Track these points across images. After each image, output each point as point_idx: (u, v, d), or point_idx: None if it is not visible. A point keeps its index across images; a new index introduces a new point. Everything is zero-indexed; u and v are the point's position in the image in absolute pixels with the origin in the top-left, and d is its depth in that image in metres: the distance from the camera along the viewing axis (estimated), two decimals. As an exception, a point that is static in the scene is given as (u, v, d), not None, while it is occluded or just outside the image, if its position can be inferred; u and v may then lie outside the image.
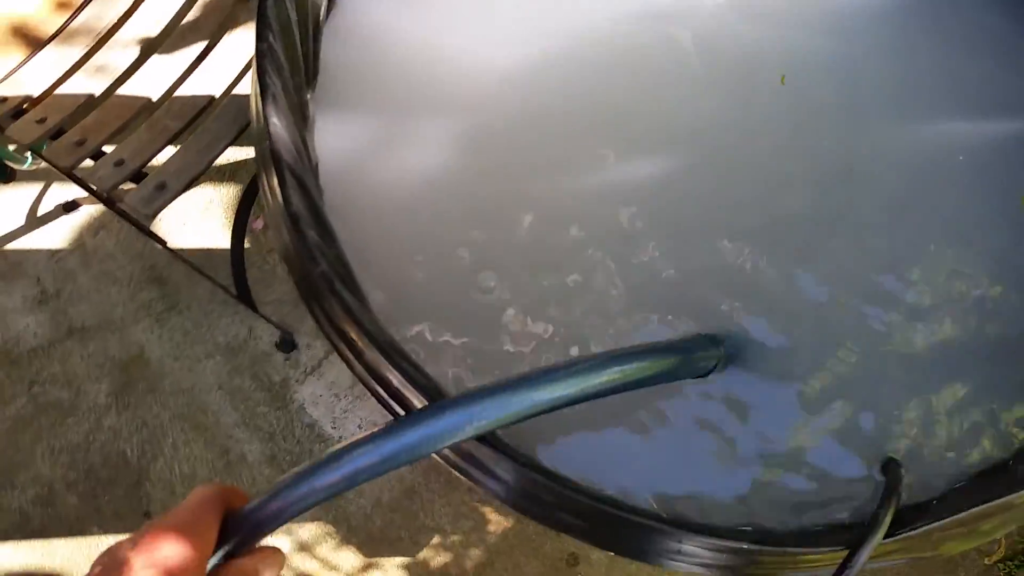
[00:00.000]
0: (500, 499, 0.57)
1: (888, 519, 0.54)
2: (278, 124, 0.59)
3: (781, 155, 0.75)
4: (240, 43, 1.36)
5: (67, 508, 1.64)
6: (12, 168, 1.56)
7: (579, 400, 0.56)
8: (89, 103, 1.35)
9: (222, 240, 1.85)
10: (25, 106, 1.35)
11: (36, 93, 1.36)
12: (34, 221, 1.91)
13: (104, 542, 1.63)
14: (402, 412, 0.60)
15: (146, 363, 1.75)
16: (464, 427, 0.52)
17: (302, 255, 0.57)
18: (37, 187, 1.94)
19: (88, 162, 1.31)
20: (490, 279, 0.70)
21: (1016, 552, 1.55)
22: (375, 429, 0.53)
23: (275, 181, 0.58)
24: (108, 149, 1.31)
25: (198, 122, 1.31)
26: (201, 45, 1.38)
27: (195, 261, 1.80)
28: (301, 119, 0.67)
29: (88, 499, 1.64)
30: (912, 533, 0.55)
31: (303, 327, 1.75)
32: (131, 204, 1.22)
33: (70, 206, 1.89)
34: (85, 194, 1.78)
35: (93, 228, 1.89)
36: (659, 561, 0.56)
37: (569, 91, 0.80)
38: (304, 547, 1.59)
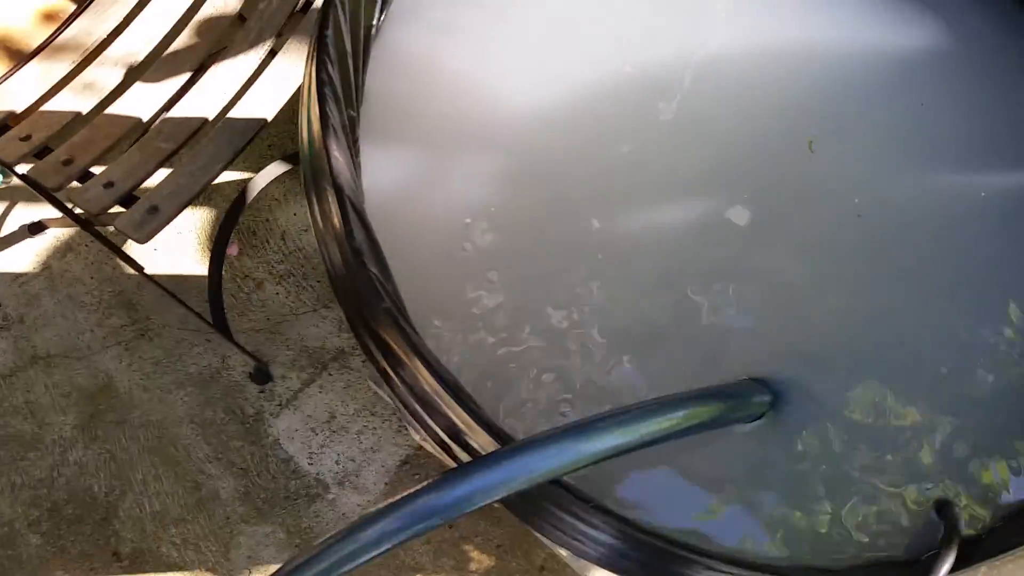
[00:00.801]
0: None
1: (953, 552, 0.56)
2: (339, 158, 0.57)
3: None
4: (233, 66, 1.34)
5: (29, 549, 1.55)
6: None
7: (634, 448, 0.55)
8: (76, 121, 1.30)
9: (195, 266, 1.79)
10: (8, 122, 1.29)
11: (20, 109, 1.30)
12: (10, 246, 1.83)
13: (65, 583, 1.54)
14: (457, 449, 0.58)
15: (114, 393, 1.68)
16: (526, 473, 0.51)
17: (365, 290, 0.55)
18: (0, 207, 1.86)
19: (74, 183, 1.26)
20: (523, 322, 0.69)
21: None
22: (436, 479, 0.51)
23: (336, 215, 0.56)
24: (96, 170, 1.26)
25: (191, 144, 1.28)
26: (193, 66, 1.35)
27: (168, 287, 1.74)
28: (355, 151, 0.66)
29: (52, 539, 1.56)
30: (976, 566, 0.56)
31: (278, 357, 1.71)
32: (122, 228, 1.18)
33: (36, 228, 1.81)
34: (54, 215, 1.72)
35: (60, 251, 1.81)
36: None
37: (597, 129, 0.80)
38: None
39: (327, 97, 0.59)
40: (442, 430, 0.58)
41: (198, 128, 1.29)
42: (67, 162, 1.25)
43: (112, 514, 1.58)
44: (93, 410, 1.66)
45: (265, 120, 1.28)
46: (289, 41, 1.33)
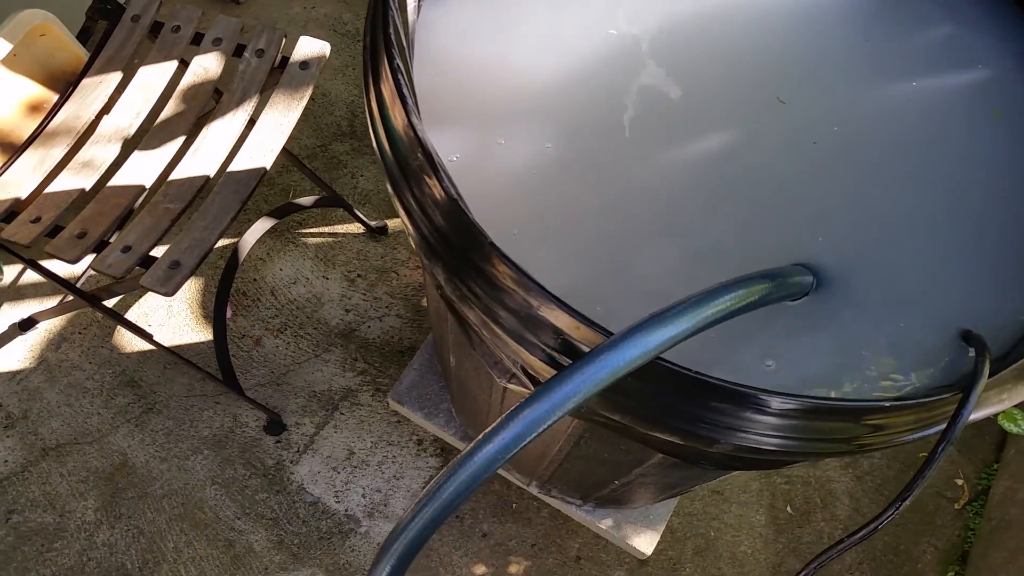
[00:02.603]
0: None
1: (987, 367, 0.67)
2: (434, 150, 0.67)
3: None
4: (224, 125, 1.42)
5: (68, 632, 1.54)
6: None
7: (701, 329, 0.65)
8: (83, 197, 1.36)
9: (192, 335, 1.84)
10: (16, 209, 1.35)
11: (25, 195, 1.36)
12: (-14, 345, 1.84)
13: (112, 661, 1.54)
14: (564, 360, 0.68)
15: (132, 470, 1.69)
16: (639, 349, 0.60)
17: (468, 241, 0.65)
18: (-16, 310, 1.88)
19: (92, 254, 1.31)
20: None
21: (978, 493, 1.71)
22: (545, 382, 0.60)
23: (442, 198, 0.66)
24: (110, 239, 1.32)
25: (198, 201, 1.35)
26: (186, 131, 1.43)
27: (168, 359, 1.79)
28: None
29: (90, 618, 1.55)
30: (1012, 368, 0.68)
31: (289, 406, 1.76)
32: (148, 285, 1.24)
33: (27, 324, 1.83)
34: (41, 308, 1.76)
35: (54, 343, 1.83)
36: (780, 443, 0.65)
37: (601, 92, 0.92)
38: (330, 624, 1.56)
39: (402, 83, 0.69)
40: (551, 346, 0.67)
41: (202, 186, 1.36)
42: (81, 235, 1.31)
43: (150, 586, 1.58)
44: (113, 490, 1.67)
45: (265, 168, 1.37)
46: (274, 94, 1.43)
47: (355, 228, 1.99)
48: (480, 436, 0.58)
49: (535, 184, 0.84)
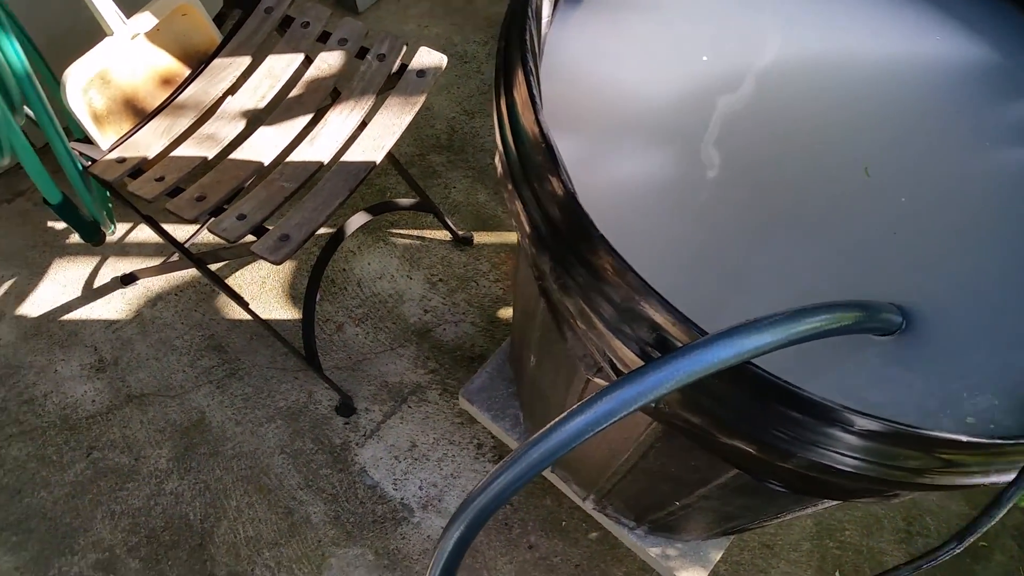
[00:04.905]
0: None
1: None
2: (553, 141, 0.72)
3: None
4: (340, 120, 1.51)
5: (128, 573, 1.62)
6: (103, 231, 1.63)
7: (792, 343, 0.68)
8: (203, 166, 1.46)
9: (281, 312, 1.93)
10: (143, 167, 1.45)
11: (151, 156, 1.46)
12: (91, 293, 1.96)
13: (165, 606, 1.61)
14: (656, 354, 0.71)
15: (207, 428, 1.78)
16: (729, 351, 0.64)
17: (578, 232, 0.70)
18: (93, 261, 2.01)
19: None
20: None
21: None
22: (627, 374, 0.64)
23: (561, 193, 0.71)
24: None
25: (310, 184, 1.43)
26: (305, 119, 1.52)
27: (258, 330, 1.88)
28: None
29: (150, 563, 1.63)
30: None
31: (361, 392, 1.82)
32: (259, 252, 1.32)
33: (128, 279, 1.95)
34: (143, 266, 1.87)
35: (151, 300, 1.95)
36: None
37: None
38: (373, 606, 1.61)
39: (537, 98, 0.75)
40: (645, 340, 0.71)
41: (315, 171, 1.45)
42: (200, 199, 1.40)
43: (207, 540, 1.65)
44: (187, 443, 1.76)
45: (375, 163, 1.45)
46: (390, 97, 1.51)
47: (442, 235, 2.06)
48: (574, 406, 0.62)
49: (640, 191, 0.89)
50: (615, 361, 0.78)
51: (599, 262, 0.71)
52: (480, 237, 2.06)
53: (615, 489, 1.32)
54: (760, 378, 0.66)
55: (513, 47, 0.82)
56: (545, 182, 0.75)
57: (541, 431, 0.64)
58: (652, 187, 0.90)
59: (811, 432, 0.67)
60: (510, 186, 0.81)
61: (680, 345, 0.68)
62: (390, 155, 1.57)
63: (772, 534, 1.71)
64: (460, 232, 2.03)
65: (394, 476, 1.73)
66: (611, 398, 0.63)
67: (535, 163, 0.76)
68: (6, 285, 1.97)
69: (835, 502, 1.08)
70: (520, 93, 0.78)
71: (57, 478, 1.72)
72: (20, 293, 1.96)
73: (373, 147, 1.47)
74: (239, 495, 1.71)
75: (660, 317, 0.68)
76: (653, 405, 0.67)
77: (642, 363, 0.72)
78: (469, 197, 2.13)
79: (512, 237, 2.05)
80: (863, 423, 0.65)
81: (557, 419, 0.63)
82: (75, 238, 2.04)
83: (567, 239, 0.74)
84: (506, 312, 1.94)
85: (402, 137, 1.48)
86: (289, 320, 1.92)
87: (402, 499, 1.71)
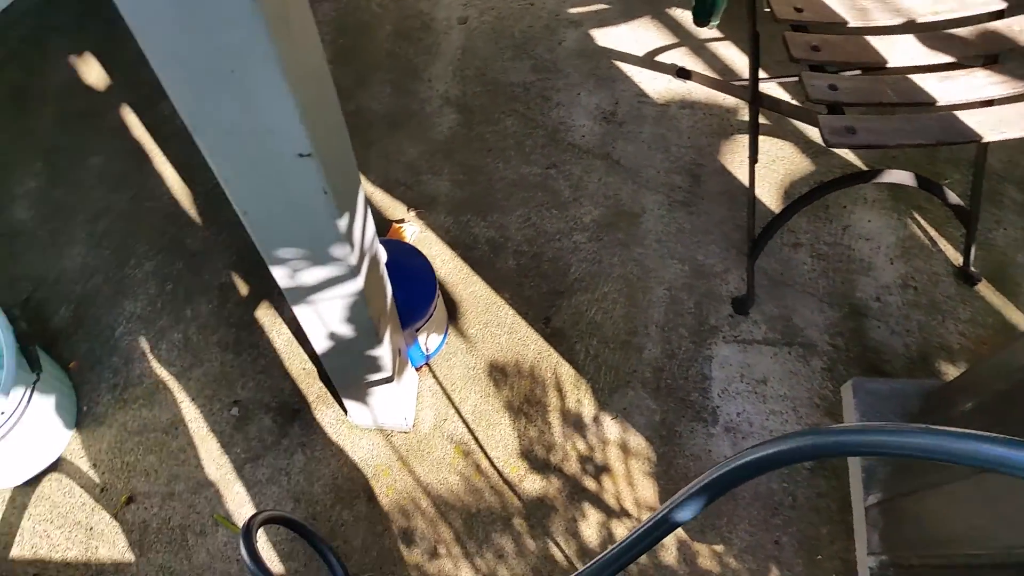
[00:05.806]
0: None
1: None
2: None
3: None
4: (982, 81, 1.37)
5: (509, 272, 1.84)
6: (710, 20, 1.71)
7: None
8: (839, 25, 1.43)
9: (769, 199, 1.92)
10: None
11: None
12: (649, 62, 2.10)
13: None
14: None
15: (637, 224, 1.89)
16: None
17: None
18: (670, 40, 2.13)
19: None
20: None
21: None
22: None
23: None
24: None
25: (911, 111, 1.35)
26: (950, 56, 1.41)
27: (734, 187, 1.89)
28: None
29: (525, 270, 1.83)
30: None
31: (763, 308, 1.79)
32: (821, 123, 1.30)
33: (683, 73, 2.05)
34: (702, 72, 1.93)
35: (681, 100, 2.05)
36: None
37: None
38: None
39: None
40: None
41: (925, 103, 1.36)
42: (815, 48, 1.40)
43: (566, 296, 1.81)
44: (613, 222, 1.89)
45: (981, 138, 1.32)
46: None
47: (954, 255, 1.86)
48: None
49: None
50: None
51: None
52: (986, 291, 1.81)
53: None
54: None
55: None
56: None
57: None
58: None
59: None
60: None
61: None
62: (985, 152, 1.43)
63: None
64: (972, 268, 1.81)
65: (727, 386, 1.72)
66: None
67: None
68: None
69: None
70: None
71: (513, 165, 1.96)
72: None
73: (991, 123, 1.34)
74: (611, 286, 1.82)
75: None
76: None
77: None
78: (1007, 242, 1.88)
79: (1008, 333, 1.79)
80: None
81: (854, 426, 0.55)
82: None
83: None
84: (950, 364, 1.74)
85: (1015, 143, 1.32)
86: (766, 206, 1.91)
87: (716, 408, 1.70)
